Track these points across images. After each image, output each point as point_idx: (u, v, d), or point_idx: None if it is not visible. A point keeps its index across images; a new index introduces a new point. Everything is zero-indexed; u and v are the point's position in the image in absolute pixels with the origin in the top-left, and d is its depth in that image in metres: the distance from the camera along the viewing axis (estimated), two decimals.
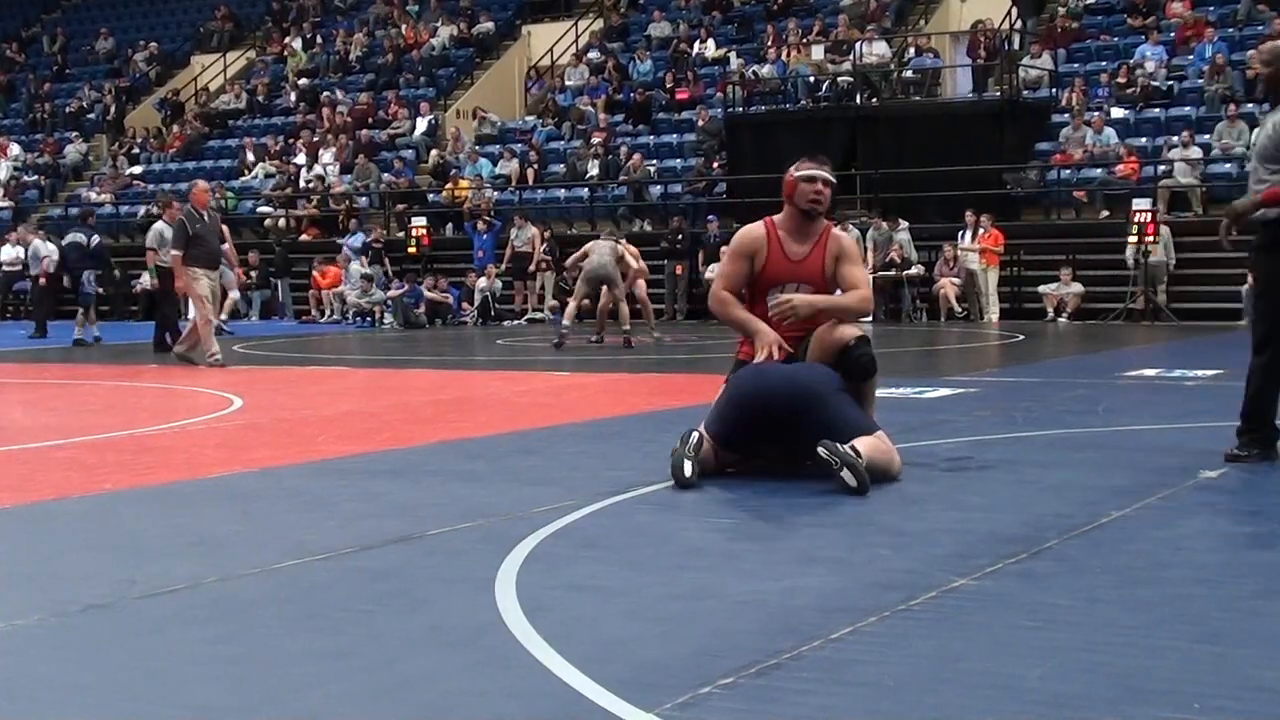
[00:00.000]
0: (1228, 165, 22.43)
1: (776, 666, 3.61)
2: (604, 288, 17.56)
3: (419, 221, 26.18)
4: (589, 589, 4.51)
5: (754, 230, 7.12)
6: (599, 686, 3.44)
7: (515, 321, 24.64)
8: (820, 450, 6.15)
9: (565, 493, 6.24)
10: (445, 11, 34.63)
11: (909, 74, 26.57)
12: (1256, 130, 7.62)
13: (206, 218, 15.38)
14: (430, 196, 28.52)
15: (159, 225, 17.92)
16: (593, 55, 31.13)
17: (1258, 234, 6.92)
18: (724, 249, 23.26)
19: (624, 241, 18.35)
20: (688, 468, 6.37)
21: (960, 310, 22.31)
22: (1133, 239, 20.73)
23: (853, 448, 6.15)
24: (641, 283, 18.04)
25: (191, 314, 15.72)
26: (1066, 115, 24.30)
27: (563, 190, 27.43)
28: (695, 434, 6.53)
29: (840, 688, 3.45)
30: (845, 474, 6.07)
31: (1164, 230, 20.93)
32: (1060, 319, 21.50)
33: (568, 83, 30.67)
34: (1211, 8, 26.20)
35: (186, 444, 8.65)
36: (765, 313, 6.94)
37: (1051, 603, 4.24)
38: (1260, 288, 7.13)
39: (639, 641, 3.89)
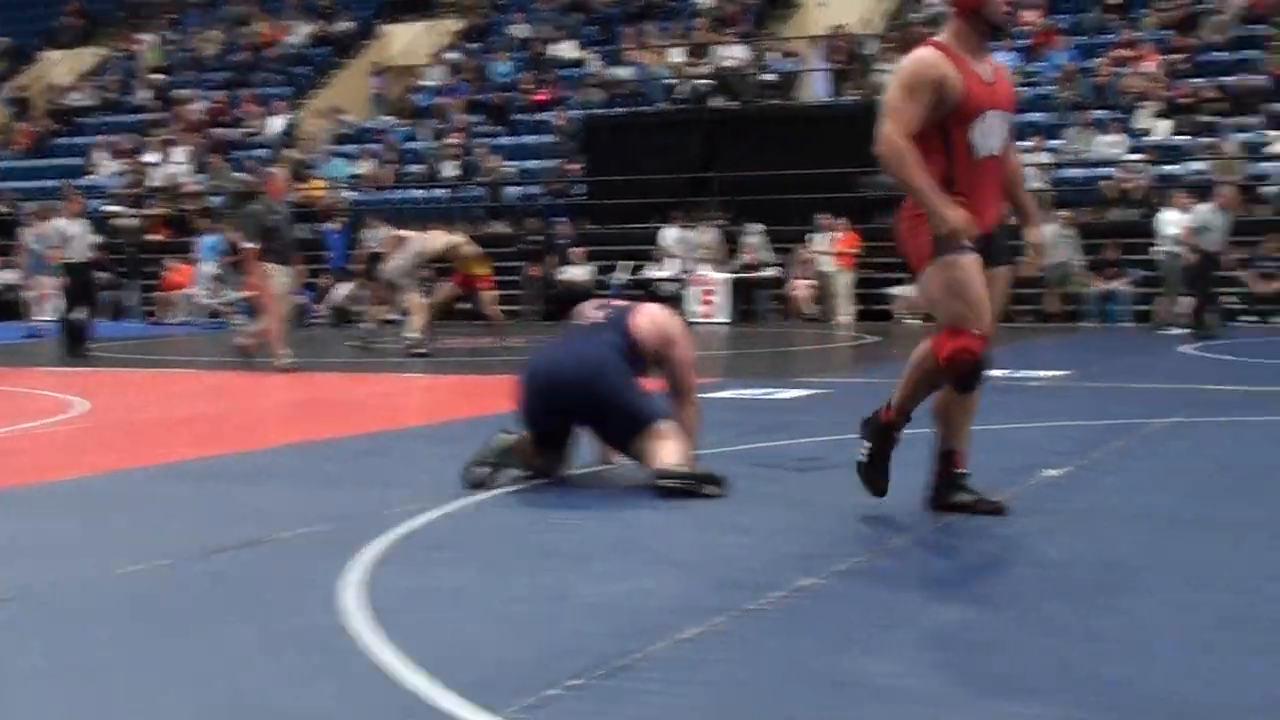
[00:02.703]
0: (1076, 170, 22.93)
1: (625, 667, 3.60)
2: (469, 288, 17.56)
3: None
4: (438, 591, 4.47)
5: (931, 56, 5.50)
6: (445, 689, 3.41)
7: (368, 324, 24.35)
8: (664, 484, 6.15)
9: (416, 494, 6.18)
10: (303, 9, 34.23)
11: (768, 77, 26.77)
12: None
13: (283, 209, 14.48)
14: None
15: (59, 222, 16.92)
16: (452, 55, 30.95)
17: None
18: (656, 248, 23.64)
19: (436, 233, 17.39)
20: (473, 474, 6.39)
21: (813, 312, 22.49)
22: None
23: (672, 468, 6.17)
24: (485, 293, 18.09)
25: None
26: None
27: (420, 190, 27.24)
28: (502, 435, 6.51)
29: (689, 688, 3.46)
30: (709, 490, 6.12)
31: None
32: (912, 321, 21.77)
33: (426, 82, 30.46)
34: (1064, 16, 26.73)
35: (29, 446, 8.44)
36: (966, 156, 5.53)
37: (898, 601, 4.29)
38: None
39: (487, 644, 3.86)
